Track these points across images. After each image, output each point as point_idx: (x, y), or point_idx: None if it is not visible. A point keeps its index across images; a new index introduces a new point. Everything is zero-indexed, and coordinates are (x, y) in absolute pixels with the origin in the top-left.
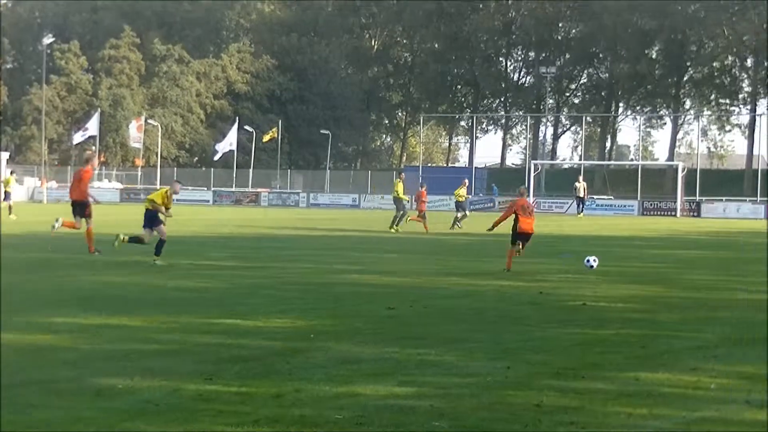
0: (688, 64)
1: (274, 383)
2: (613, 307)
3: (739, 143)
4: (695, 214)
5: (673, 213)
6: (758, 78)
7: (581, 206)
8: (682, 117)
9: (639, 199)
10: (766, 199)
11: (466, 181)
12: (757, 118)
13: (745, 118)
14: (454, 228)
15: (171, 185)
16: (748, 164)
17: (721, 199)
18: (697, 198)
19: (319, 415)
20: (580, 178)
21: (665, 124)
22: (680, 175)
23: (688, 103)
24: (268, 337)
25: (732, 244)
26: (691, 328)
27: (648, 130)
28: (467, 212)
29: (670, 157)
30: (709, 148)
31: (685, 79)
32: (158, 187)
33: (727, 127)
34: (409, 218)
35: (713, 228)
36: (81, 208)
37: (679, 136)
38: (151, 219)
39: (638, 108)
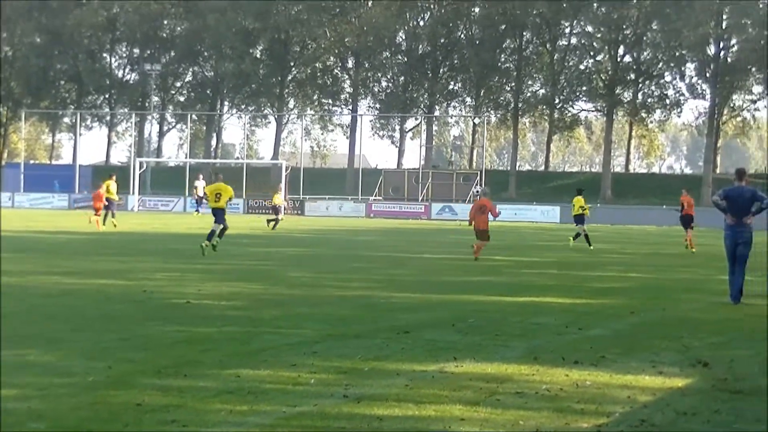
0: (292, 64)
1: None
2: (216, 304)
3: (341, 143)
4: (299, 212)
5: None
6: (359, 79)
7: (201, 205)
8: (286, 116)
9: (244, 197)
10: (368, 197)
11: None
12: (358, 118)
13: (346, 119)
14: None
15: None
16: (350, 163)
17: (324, 198)
18: (301, 196)
19: None
20: (200, 176)
21: (270, 123)
22: (284, 173)
23: (291, 103)
24: None
25: (332, 242)
26: (291, 324)
27: (253, 128)
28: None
29: (275, 156)
30: (312, 147)
31: (288, 78)
32: None
33: (330, 127)
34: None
35: (316, 226)
36: None
37: (284, 135)
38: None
39: (243, 107)
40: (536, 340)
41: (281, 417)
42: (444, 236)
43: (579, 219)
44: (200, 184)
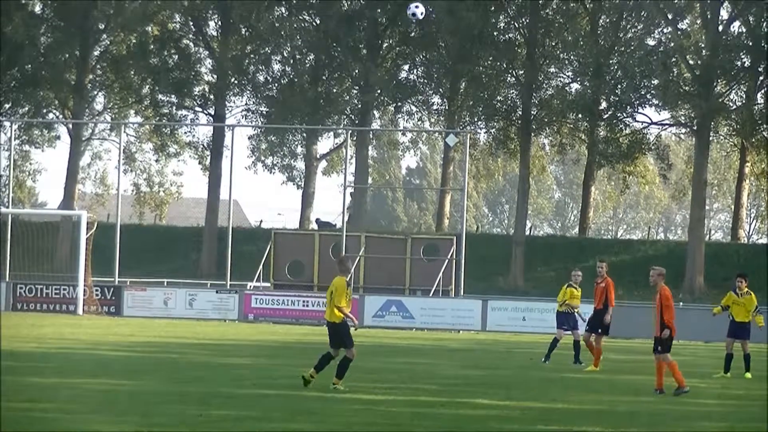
0: (102, 26)
1: None
2: None
3: (194, 178)
4: (112, 308)
5: None
6: (228, 58)
7: None
8: (89, 126)
9: (7, 278)
10: (245, 283)
11: None
12: (226, 131)
13: (204, 132)
14: None
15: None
16: (209, 218)
17: (160, 282)
18: (116, 279)
19: None
20: None
21: (59, 137)
22: (83, 234)
23: (100, 101)
24: None
25: (171, 367)
26: None
27: (25, 147)
28: None
29: (67, 201)
30: (136, 185)
31: (95, 54)
32: None
33: (172, 148)
34: None
35: (142, 336)
36: None
37: (84, 161)
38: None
39: (9, 106)
40: None
41: None
42: (388, 357)
43: (741, 329)
44: None
